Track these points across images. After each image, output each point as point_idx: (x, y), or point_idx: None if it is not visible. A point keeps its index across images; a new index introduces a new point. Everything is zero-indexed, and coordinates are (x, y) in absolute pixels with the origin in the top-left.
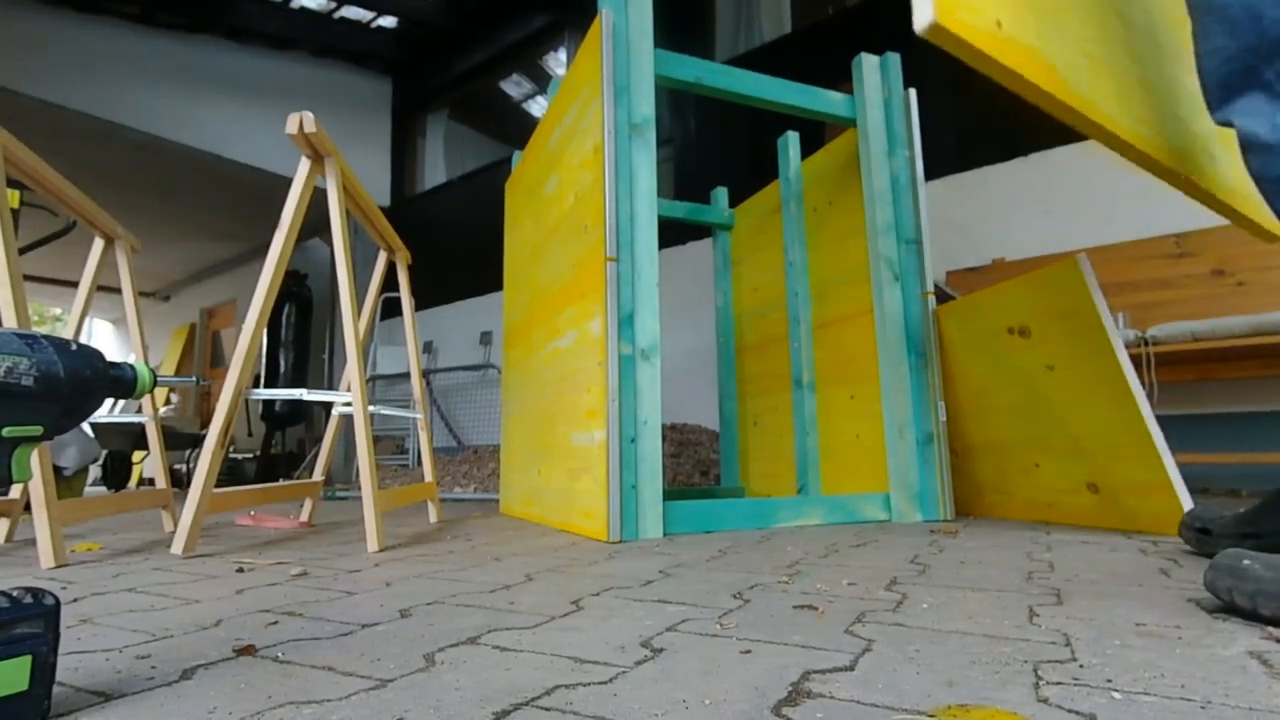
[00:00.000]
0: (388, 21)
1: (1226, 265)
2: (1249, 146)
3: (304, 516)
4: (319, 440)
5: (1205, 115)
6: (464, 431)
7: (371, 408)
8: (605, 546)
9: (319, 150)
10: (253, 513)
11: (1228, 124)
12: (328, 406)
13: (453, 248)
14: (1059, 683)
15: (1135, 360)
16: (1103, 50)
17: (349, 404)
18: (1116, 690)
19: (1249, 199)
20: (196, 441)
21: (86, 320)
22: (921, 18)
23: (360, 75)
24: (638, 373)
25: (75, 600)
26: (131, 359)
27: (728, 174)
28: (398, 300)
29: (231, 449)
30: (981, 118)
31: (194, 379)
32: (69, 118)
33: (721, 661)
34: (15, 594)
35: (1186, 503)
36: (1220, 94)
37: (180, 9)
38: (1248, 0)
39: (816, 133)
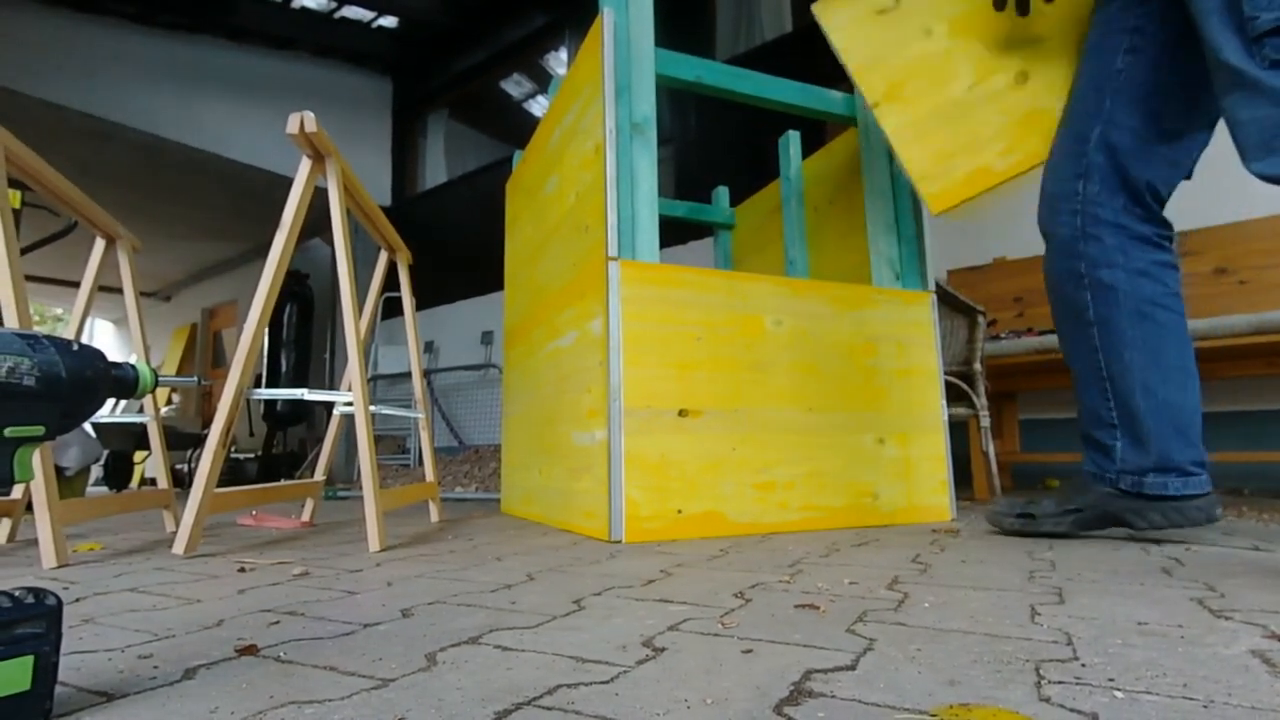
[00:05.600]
0: (388, 21)
1: (1228, 264)
2: None
3: (305, 516)
4: (320, 440)
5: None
6: (465, 431)
7: (373, 407)
8: (606, 546)
9: (319, 150)
10: (254, 512)
11: (1273, 178)
12: (329, 406)
13: (453, 247)
14: (1061, 682)
15: None
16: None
17: (350, 404)
18: (1119, 689)
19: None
20: (198, 441)
21: (88, 320)
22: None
23: (361, 75)
24: None
25: (77, 600)
26: (133, 359)
27: (728, 173)
28: (399, 300)
29: (233, 449)
30: None
31: (195, 379)
32: (69, 118)
33: (723, 661)
34: (17, 594)
35: None
36: (1262, 151)
37: (181, 9)
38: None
39: (817, 132)
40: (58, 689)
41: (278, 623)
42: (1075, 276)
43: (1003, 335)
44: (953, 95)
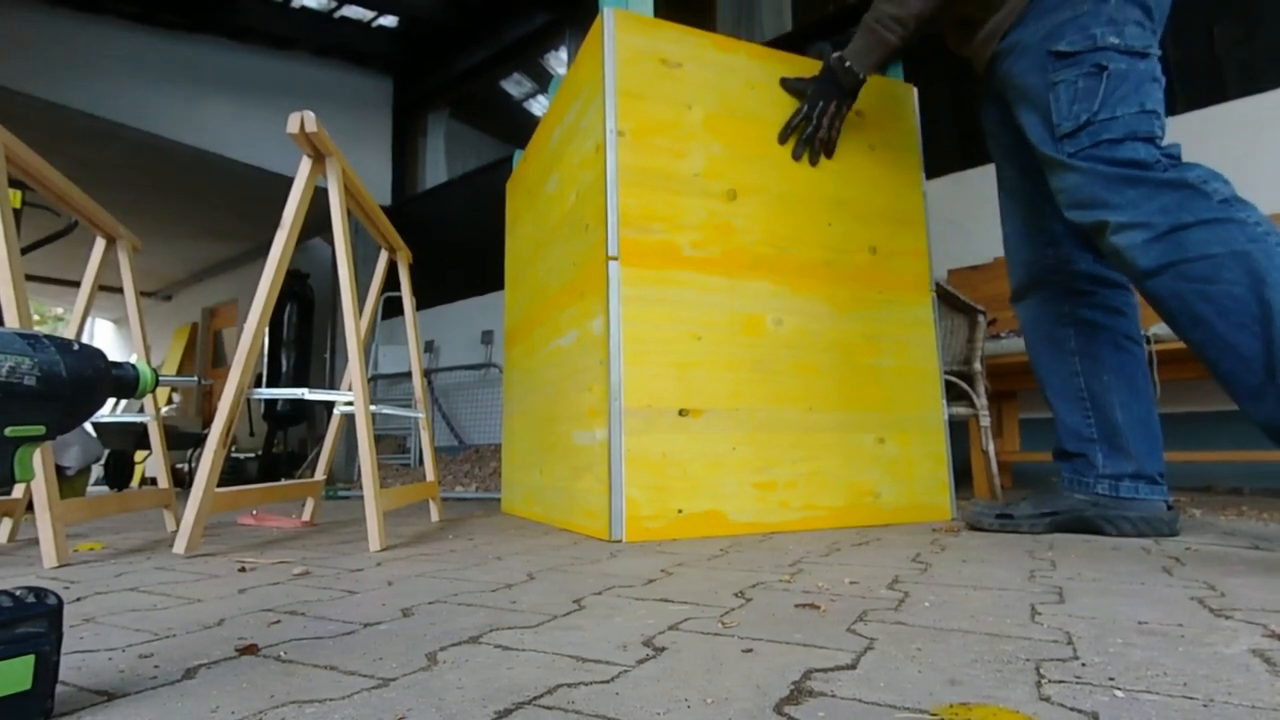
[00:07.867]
0: (389, 20)
1: None
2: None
3: (306, 516)
4: (321, 439)
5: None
6: (465, 430)
7: (373, 407)
8: (607, 545)
9: (320, 149)
10: (255, 512)
11: (1080, 224)
12: (329, 406)
13: (454, 247)
14: (1061, 681)
15: None
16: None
17: (351, 403)
18: (1119, 688)
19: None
20: (198, 441)
21: (88, 320)
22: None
23: (361, 74)
24: None
25: (78, 599)
26: (133, 359)
27: None
28: (399, 299)
29: (233, 448)
30: None
31: (196, 379)
32: (70, 117)
33: (723, 660)
34: (18, 593)
35: None
36: (1073, 207)
37: (181, 8)
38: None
39: None
40: (59, 688)
41: (278, 622)
42: (1060, 316)
43: (1003, 334)
44: (680, 171)
